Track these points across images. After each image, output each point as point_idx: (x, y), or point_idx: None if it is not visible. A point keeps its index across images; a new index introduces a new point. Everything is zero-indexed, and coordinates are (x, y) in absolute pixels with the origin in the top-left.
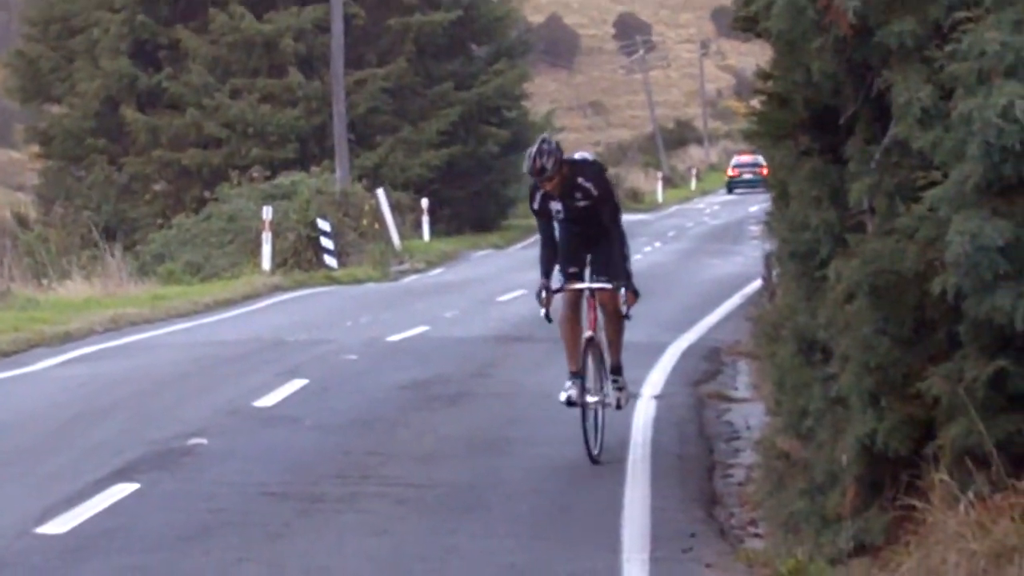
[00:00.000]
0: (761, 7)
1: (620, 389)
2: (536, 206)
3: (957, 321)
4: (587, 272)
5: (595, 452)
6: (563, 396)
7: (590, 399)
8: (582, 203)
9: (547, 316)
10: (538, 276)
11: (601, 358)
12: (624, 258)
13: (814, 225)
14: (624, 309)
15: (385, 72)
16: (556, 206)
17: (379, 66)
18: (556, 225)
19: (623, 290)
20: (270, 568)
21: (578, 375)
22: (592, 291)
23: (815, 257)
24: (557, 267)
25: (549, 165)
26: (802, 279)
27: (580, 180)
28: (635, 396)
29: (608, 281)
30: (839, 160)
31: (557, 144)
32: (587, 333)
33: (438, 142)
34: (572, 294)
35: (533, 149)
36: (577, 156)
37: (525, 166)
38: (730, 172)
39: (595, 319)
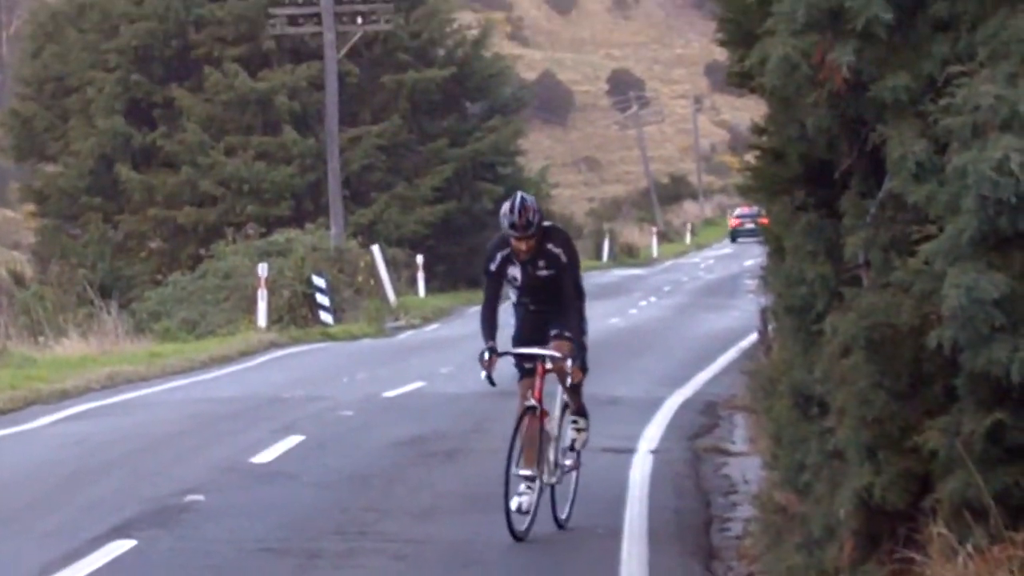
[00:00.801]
0: (755, 63)
1: (579, 431)
2: (494, 267)
3: (954, 374)
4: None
5: (521, 529)
6: (514, 503)
7: (543, 479)
8: (544, 272)
9: (490, 379)
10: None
11: (542, 435)
12: (581, 332)
13: (810, 279)
14: (568, 381)
15: (379, 129)
16: (515, 272)
17: (373, 123)
18: (512, 295)
19: (569, 362)
20: None
21: (534, 479)
22: (544, 359)
23: (811, 311)
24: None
25: (535, 220)
26: (798, 333)
27: (550, 246)
28: (586, 445)
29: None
30: (834, 214)
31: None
32: (531, 401)
33: (433, 198)
34: (529, 383)
35: (516, 202)
36: (545, 223)
37: (505, 221)
38: (733, 223)
39: (540, 388)
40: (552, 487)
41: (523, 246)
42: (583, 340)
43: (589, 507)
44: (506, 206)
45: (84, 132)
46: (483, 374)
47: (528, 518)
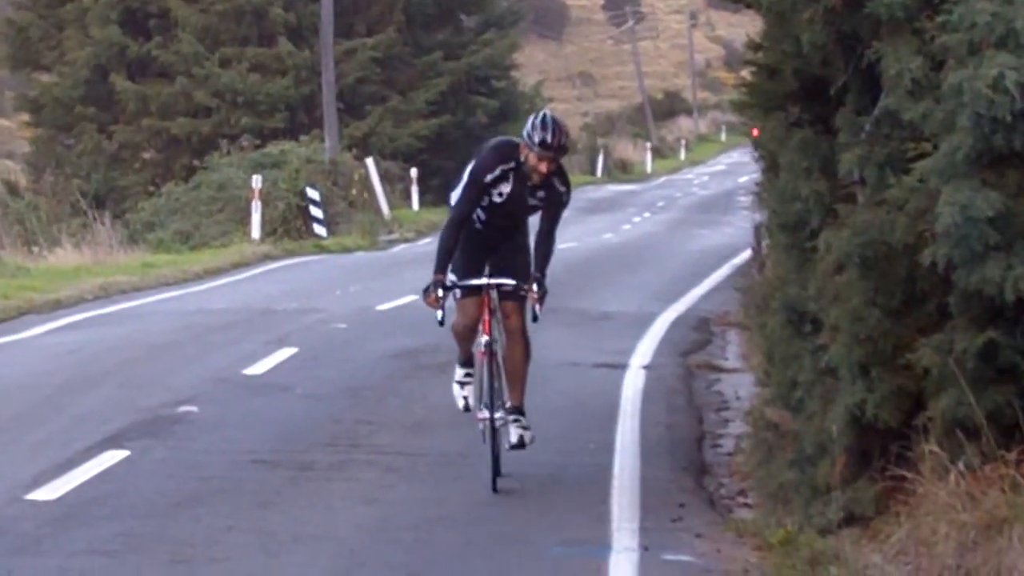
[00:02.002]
0: None
1: (524, 428)
2: (490, 179)
3: (947, 292)
4: (487, 269)
5: (495, 480)
6: (459, 402)
7: (497, 415)
8: (534, 202)
9: (441, 321)
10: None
11: (497, 372)
12: (547, 257)
13: (804, 196)
14: (536, 309)
15: (374, 42)
16: (505, 190)
17: (368, 36)
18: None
19: (535, 286)
20: (260, 536)
21: (468, 360)
22: (496, 293)
23: (805, 228)
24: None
25: (567, 144)
26: (792, 250)
27: (555, 180)
28: (533, 442)
29: (516, 280)
30: (829, 131)
31: None
32: (484, 338)
33: (427, 112)
34: (471, 303)
35: (549, 120)
36: None
37: (536, 136)
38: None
39: (490, 325)
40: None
41: (543, 167)
42: (544, 271)
43: (581, 421)
44: (537, 121)
45: (79, 42)
46: (438, 315)
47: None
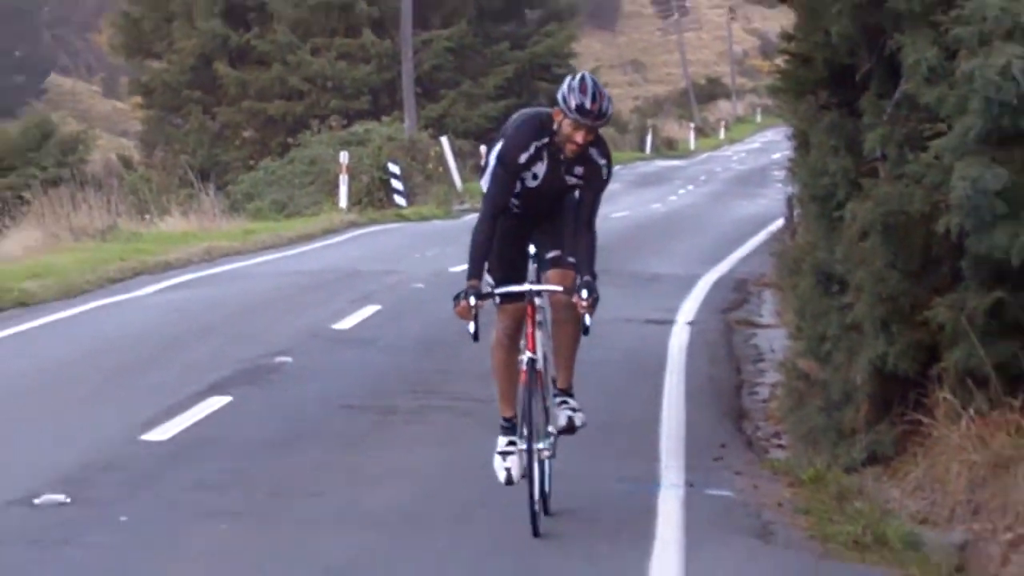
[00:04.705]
0: None
1: (574, 410)
2: (524, 159)
3: (960, 257)
4: (531, 269)
5: (538, 519)
6: (500, 474)
7: (539, 445)
8: (573, 180)
9: (476, 332)
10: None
11: (545, 386)
12: (591, 249)
13: (832, 171)
14: (586, 319)
15: (448, 33)
16: (539, 170)
17: (443, 28)
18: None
19: (585, 292)
20: (348, 474)
21: (513, 425)
22: (539, 295)
23: (833, 199)
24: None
25: (609, 111)
26: (821, 219)
27: (594, 152)
28: (585, 426)
29: (557, 263)
30: (854, 113)
31: None
32: (527, 355)
33: (495, 95)
34: (514, 309)
35: (588, 83)
36: None
37: (573, 100)
38: None
39: (533, 339)
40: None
41: (580, 138)
42: (591, 264)
43: (633, 371)
44: (575, 82)
45: (186, 32)
46: (470, 328)
47: (540, 491)
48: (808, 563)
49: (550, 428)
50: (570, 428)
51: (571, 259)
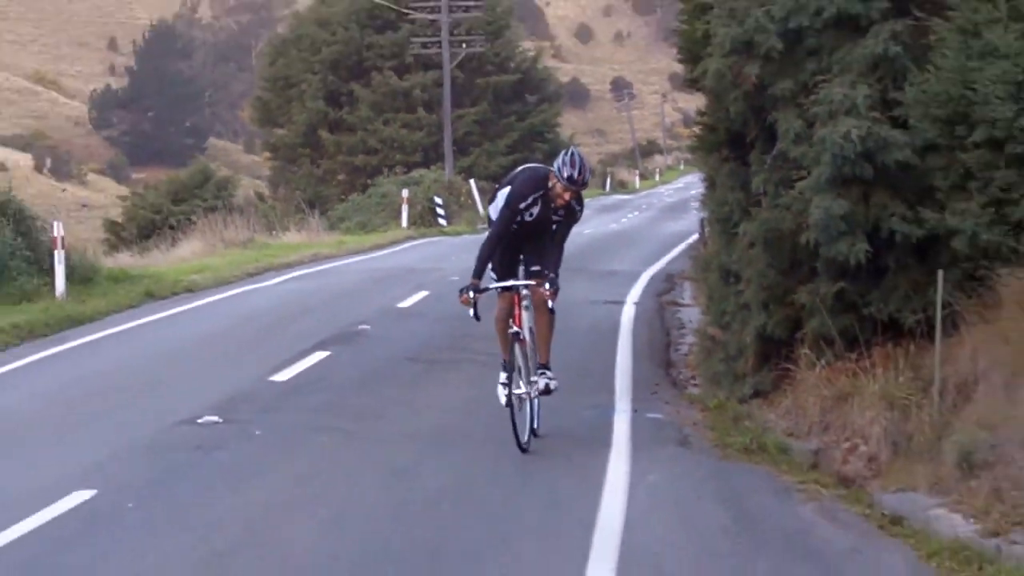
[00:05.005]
0: (700, 73)
1: (550, 379)
2: (524, 205)
3: (815, 259)
4: (521, 272)
5: (524, 440)
6: (501, 399)
7: (520, 390)
8: (556, 218)
9: (476, 315)
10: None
11: (526, 353)
12: (557, 263)
13: (730, 202)
14: (550, 303)
15: (474, 111)
16: (534, 212)
17: (471, 107)
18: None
19: (548, 284)
20: (407, 404)
21: (506, 365)
22: (525, 288)
23: (730, 221)
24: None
25: (588, 179)
26: (723, 234)
27: (572, 202)
28: (557, 389)
29: (538, 276)
30: (745, 164)
31: None
32: (514, 329)
33: (505, 152)
34: (508, 297)
35: (578, 160)
36: None
37: (565, 172)
38: None
39: (520, 318)
40: (529, 404)
41: (567, 196)
42: (556, 273)
43: (597, 336)
44: (567, 159)
45: (300, 110)
46: (470, 311)
47: (529, 421)
48: (714, 462)
49: (533, 381)
50: (547, 391)
51: (546, 270)
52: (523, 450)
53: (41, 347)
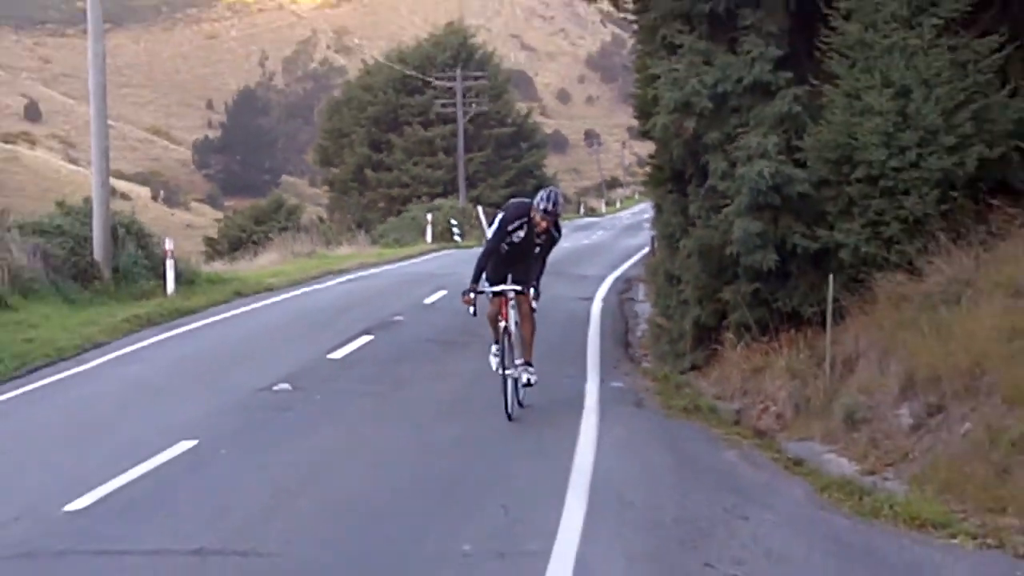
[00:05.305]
0: (651, 126)
1: (532, 374)
2: (511, 228)
3: (737, 266)
4: (509, 279)
5: (511, 411)
6: (493, 365)
7: (508, 371)
8: (537, 241)
9: (474, 312)
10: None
11: (511, 345)
12: (539, 275)
13: (673, 223)
14: (534, 304)
15: (482, 155)
16: (520, 234)
17: (478, 151)
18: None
19: (532, 291)
20: (432, 375)
21: (499, 342)
22: (514, 293)
23: (674, 237)
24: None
25: (559, 211)
26: (668, 247)
27: (552, 229)
28: (536, 383)
29: (524, 286)
30: (685, 195)
31: None
32: (503, 323)
33: (504, 186)
34: (498, 300)
35: (554, 196)
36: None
37: (542, 204)
38: None
39: (507, 314)
40: (515, 380)
41: (544, 223)
42: (539, 280)
43: (572, 324)
44: (544, 195)
45: (350, 154)
46: (471, 310)
47: (513, 396)
48: (661, 419)
49: (517, 366)
50: (528, 383)
51: (530, 284)
52: (509, 418)
53: (156, 332)
